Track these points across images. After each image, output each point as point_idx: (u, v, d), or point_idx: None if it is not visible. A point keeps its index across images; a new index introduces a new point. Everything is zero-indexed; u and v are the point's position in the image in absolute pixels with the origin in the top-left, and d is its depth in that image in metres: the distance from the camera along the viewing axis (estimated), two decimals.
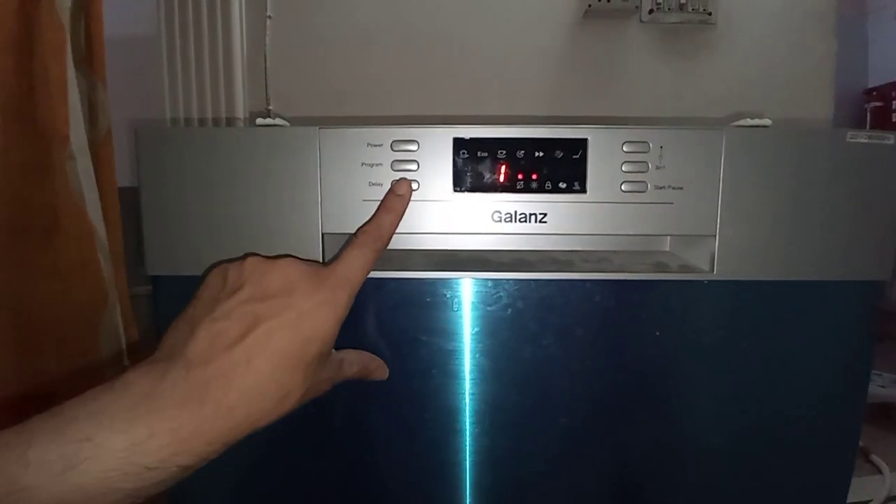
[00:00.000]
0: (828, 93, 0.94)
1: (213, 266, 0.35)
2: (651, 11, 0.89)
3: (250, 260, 0.33)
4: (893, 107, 1.84)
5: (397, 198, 0.39)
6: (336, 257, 0.36)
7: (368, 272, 0.36)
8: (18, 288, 0.59)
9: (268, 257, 0.34)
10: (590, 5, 0.87)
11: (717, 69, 0.91)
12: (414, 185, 0.40)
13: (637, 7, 0.89)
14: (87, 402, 0.27)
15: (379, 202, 0.40)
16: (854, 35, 2.02)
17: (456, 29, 0.90)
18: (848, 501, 0.83)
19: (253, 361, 0.29)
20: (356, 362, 0.39)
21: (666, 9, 0.88)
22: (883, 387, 1.22)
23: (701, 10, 0.88)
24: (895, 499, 0.88)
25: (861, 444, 1.01)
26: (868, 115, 1.88)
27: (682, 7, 0.88)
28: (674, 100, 0.91)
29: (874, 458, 0.97)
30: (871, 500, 0.84)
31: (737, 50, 0.91)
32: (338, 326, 0.33)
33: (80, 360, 0.63)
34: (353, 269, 0.34)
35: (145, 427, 0.26)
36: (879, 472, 0.93)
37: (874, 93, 1.91)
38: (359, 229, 0.38)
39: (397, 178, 0.40)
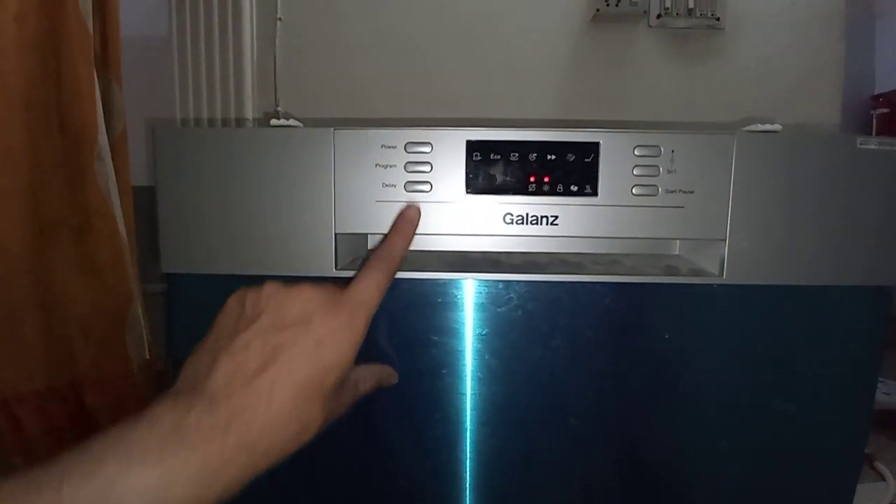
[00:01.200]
0: (836, 97, 0.94)
1: (233, 293, 0.35)
2: (659, 16, 0.89)
3: (268, 287, 0.33)
4: None
5: (407, 222, 0.40)
6: (351, 282, 0.36)
7: (383, 294, 0.36)
8: (50, 283, 0.60)
9: (285, 284, 0.34)
10: (598, 10, 0.88)
11: (726, 74, 0.92)
12: (426, 187, 0.41)
13: (645, 12, 0.89)
14: (117, 438, 0.27)
15: (392, 203, 0.41)
16: (861, 40, 2.02)
17: (466, 33, 0.90)
18: None
19: (274, 394, 0.29)
20: (370, 378, 0.39)
21: (674, 14, 0.89)
22: (888, 394, 1.22)
23: (709, 14, 0.88)
24: None
25: (865, 450, 1.01)
26: (874, 121, 1.88)
27: (690, 12, 0.88)
28: (682, 104, 0.92)
29: (878, 465, 0.97)
30: None
31: (745, 54, 0.91)
32: (356, 351, 0.33)
33: (107, 355, 0.64)
34: (369, 292, 0.35)
35: (176, 462, 0.26)
36: (883, 479, 0.93)
37: (881, 99, 1.90)
38: (371, 253, 0.39)
39: (411, 179, 0.41)
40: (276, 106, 0.90)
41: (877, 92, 1.96)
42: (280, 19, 0.89)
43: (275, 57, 0.89)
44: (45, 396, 0.61)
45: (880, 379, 1.29)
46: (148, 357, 0.68)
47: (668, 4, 0.88)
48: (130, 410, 0.68)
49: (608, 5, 0.87)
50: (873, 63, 2.00)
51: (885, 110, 1.87)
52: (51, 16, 0.58)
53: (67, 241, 0.62)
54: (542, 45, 0.91)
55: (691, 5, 0.88)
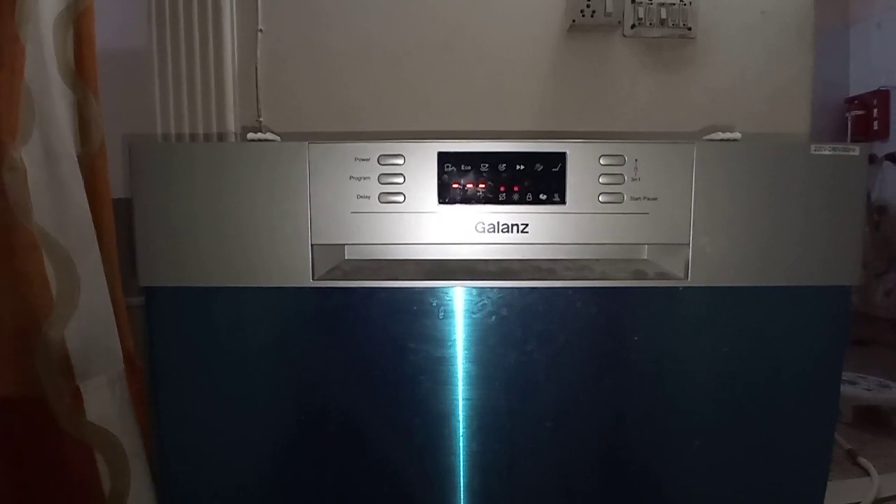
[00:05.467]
0: (806, 105, 0.96)
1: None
2: (633, 26, 0.91)
3: None
4: (874, 115, 1.90)
5: None
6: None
7: None
8: None
9: None
10: (574, 20, 0.90)
11: (698, 82, 0.94)
12: (400, 198, 0.42)
13: (620, 22, 0.91)
14: None
15: (367, 214, 0.42)
16: (836, 45, 2.08)
17: (444, 45, 0.92)
18: None
19: None
20: None
21: (647, 24, 0.91)
22: (869, 390, 1.24)
23: (681, 24, 0.91)
24: (883, 501, 0.89)
25: (849, 446, 1.03)
26: (849, 123, 1.94)
27: (662, 22, 0.91)
28: (657, 112, 0.94)
29: (862, 460, 0.99)
30: (859, 503, 0.85)
31: (716, 64, 0.94)
32: None
33: (15, 378, 0.60)
34: None
35: None
36: (867, 474, 0.95)
37: (855, 101, 1.96)
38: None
39: (384, 190, 0.42)
40: (259, 118, 0.91)
41: (851, 95, 2.02)
42: (261, 30, 0.90)
43: (256, 69, 0.90)
44: None
45: (861, 375, 1.32)
46: (79, 383, 0.64)
47: (641, 15, 0.91)
48: (42, 436, 0.61)
49: (584, 16, 0.90)
50: (848, 68, 2.07)
51: (859, 112, 1.94)
52: None
53: None
54: (521, 57, 0.93)
55: (664, 15, 0.90)
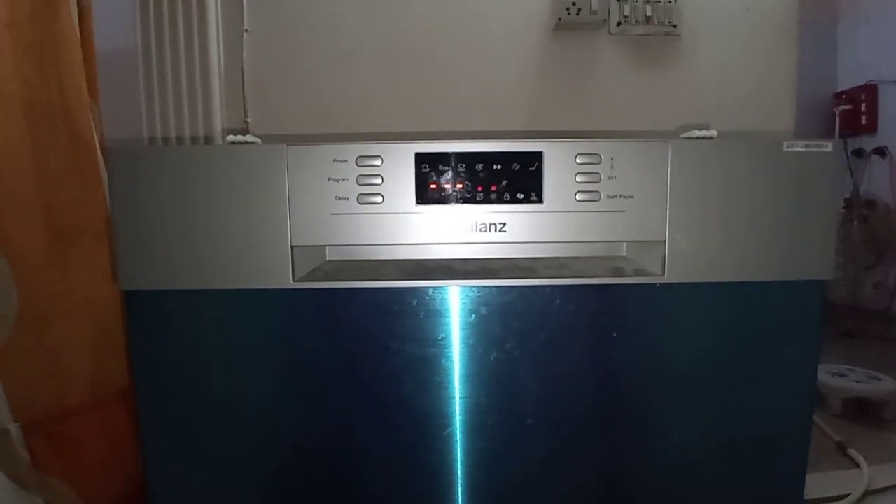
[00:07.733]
0: (790, 101, 0.97)
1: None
2: (619, 24, 0.92)
3: None
4: (862, 109, 1.91)
5: None
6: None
7: None
8: (73, 292, 0.59)
9: None
10: (560, 19, 0.90)
11: (683, 79, 0.95)
12: (378, 199, 0.42)
13: (605, 20, 0.92)
14: None
15: (346, 216, 0.42)
16: (824, 40, 2.09)
17: (429, 45, 0.92)
18: (826, 495, 0.85)
19: None
20: None
21: (633, 21, 0.91)
22: (858, 382, 1.26)
23: (666, 22, 0.91)
24: (873, 493, 0.90)
25: (838, 438, 1.04)
26: (837, 118, 1.95)
27: (648, 20, 0.91)
28: (643, 109, 0.94)
29: (851, 452, 1.00)
30: (849, 494, 0.86)
31: (701, 60, 0.95)
32: None
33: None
34: None
35: None
36: (857, 466, 0.96)
37: (843, 96, 1.98)
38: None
39: (363, 191, 0.42)
40: (246, 119, 0.91)
41: (839, 90, 2.03)
42: (247, 31, 0.90)
43: (243, 69, 0.90)
44: (86, 412, 0.59)
45: (850, 367, 1.33)
46: None
47: (626, 12, 0.91)
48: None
49: (569, 14, 0.90)
50: (836, 63, 2.08)
51: (847, 107, 1.95)
52: (45, 24, 0.59)
53: (88, 248, 0.61)
54: (507, 56, 0.93)
55: (649, 13, 0.91)
